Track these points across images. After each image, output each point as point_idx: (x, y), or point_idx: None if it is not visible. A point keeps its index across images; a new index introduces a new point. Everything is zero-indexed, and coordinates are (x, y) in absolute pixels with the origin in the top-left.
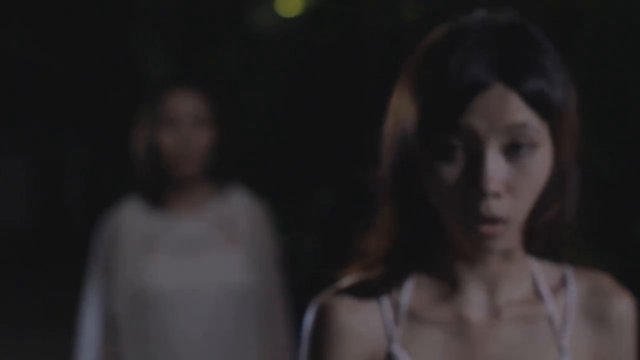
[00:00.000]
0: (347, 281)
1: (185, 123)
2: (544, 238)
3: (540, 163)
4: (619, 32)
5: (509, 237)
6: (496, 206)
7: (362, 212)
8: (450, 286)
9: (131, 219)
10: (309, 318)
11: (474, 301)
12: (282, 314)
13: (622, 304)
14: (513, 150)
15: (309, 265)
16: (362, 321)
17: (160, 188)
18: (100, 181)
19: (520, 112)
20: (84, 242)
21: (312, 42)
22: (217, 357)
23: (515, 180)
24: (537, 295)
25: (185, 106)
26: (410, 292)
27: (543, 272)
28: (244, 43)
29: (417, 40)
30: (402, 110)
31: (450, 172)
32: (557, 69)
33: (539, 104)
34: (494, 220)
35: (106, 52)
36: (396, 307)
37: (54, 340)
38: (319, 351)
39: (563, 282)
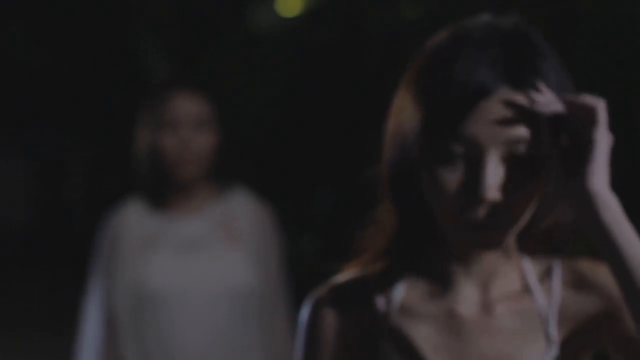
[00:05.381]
0: (342, 277)
1: (186, 125)
2: (539, 239)
3: (537, 172)
4: (619, 33)
5: (502, 242)
6: (492, 214)
7: (362, 212)
8: (443, 282)
9: (133, 219)
10: (304, 313)
11: (466, 296)
12: (283, 313)
13: (602, 274)
14: (513, 158)
15: (309, 265)
16: (352, 315)
17: (162, 190)
18: (101, 181)
19: (523, 120)
20: (85, 242)
21: (312, 42)
22: (218, 356)
23: (513, 189)
24: (526, 288)
25: (187, 108)
26: (403, 287)
27: (532, 266)
28: (244, 43)
29: (417, 40)
30: (404, 112)
31: (449, 177)
32: (558, 74)
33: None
34: (488, 228)
35: (107, 52)
36: (388, 301)
37: (54, 340)
38: (311, 345)
39: (549, 273)
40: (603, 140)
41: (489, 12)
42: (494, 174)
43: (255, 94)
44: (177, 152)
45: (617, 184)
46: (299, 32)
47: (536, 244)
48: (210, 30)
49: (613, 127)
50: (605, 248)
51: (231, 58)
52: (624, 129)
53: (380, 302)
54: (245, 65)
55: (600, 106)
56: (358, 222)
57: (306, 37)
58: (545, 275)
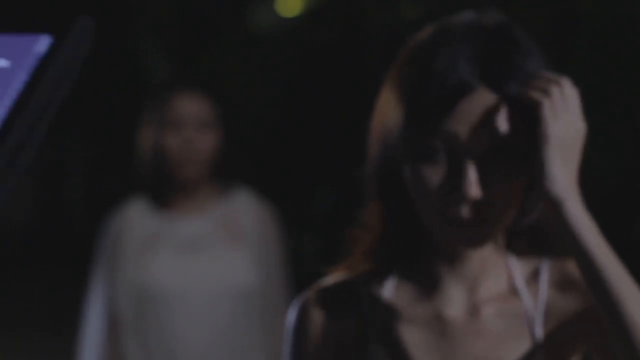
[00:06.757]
0: (330, 279)
1: (190, 125)
2: (526, 237)
3: (520, 168)
4: (619, 33)
5: (488, 239)
6: (476, 210)
7: (362, 212)
8: (431, 284)
9: (135, 219)
10: (291, 316)
11: (453, 298)
12: (285, 313)
13: None
14: (495, 154)
15: (309, 265)
16: (339, 318)
17: (164, 190)
18: (101, 181)
19: (503, 119)
20: (85, 242)
21: (312, 42)
22: (219, 356)
23: (495, 184)
24: (513, 289)
25: (191, 108)
26: (391, 289)
27: (520, 267)
28: (244, 43)
29: None
30: (387, 109)
31: (432, 174)
32: (540, 72)
33: (522, 108)
34: (472, 223)
35: (107, 52)
36: (375, 304)
37: (54, 340)
38: (298, 347)
39: (536, 275)
40: (552, 137)
41: (489, 12)
42: (475, 171)
43: (255, 94)
44: (180, 152)
45: (617, 184)
46: (299, 32)
47: (525, 243)
48: (210, 30)
49: (613, 127)
50: (574, 251)
51: (231, 58)
52: (624, 129)
53: (368, 304)
54: (245, 65)
55: (545, 103)
56: (358, 222)
57: (306, 37)
58: (533, 277)
